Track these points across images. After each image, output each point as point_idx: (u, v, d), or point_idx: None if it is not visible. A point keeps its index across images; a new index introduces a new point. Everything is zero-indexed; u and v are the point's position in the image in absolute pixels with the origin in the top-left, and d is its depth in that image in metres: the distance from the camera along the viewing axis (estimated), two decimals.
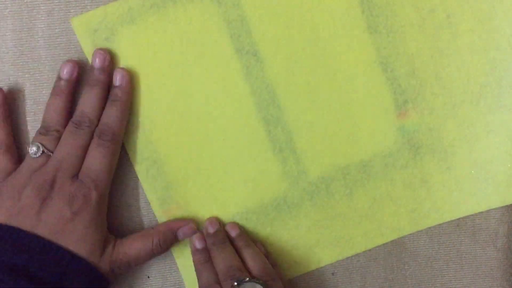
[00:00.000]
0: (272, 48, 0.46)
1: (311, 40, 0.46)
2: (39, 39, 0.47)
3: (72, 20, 0.45)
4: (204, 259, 0.45)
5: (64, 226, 0.41)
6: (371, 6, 0.46)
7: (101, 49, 0.45)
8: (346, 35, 0.46)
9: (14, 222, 0.40)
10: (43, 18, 0.46)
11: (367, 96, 0.47)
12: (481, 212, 0.51)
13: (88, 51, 0.46)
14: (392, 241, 0.51)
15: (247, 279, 0.41)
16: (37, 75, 0.47)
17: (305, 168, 0.48)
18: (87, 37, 0.45)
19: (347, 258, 0.51)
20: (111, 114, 0.44)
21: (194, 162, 0.47)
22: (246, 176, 0.47)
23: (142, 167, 0.47)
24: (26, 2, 0.46)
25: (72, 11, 0.46)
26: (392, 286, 0.52)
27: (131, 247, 0.44)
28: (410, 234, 0.51)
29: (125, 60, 0.46)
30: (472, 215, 0.51)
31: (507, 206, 0.51)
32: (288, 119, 0.47)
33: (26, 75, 0.47)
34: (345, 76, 0.47)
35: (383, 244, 0.51)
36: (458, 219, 0.51)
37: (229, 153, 0.47)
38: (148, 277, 0.49)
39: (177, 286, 0.49)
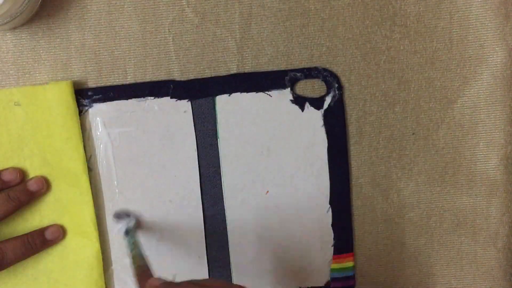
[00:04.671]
0: None
1: None
2: (39, 39, 0.47)
3: None
4: None
5: None
6: None
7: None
8: None
9: None
10: (43, 18, 0.46)
11: None
12: (481, 213, 0.51)
13: None
14: (392, 241, 0.51)
15: None
16: (37, 75, 0.47)
17: None
18: None
19: None
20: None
21: None
22: None
23: None
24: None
25: (72, 10, 0.47)
26: (392, 286, 0.52)
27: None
28: (410, 234, 0.51)
29: None
30: (472, 215, 0.51)
31: (507, 206, 0.51)
32: None
33: (27, 75, 0.47)
34: None
35: (383, 244, 0.51)
36: (458, 219, 0.51)
37: None
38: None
39: None
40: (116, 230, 0.49)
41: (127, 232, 0.48)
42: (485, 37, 0.49)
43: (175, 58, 0.48)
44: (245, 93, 0.49)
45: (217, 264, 0.50)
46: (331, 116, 0.50)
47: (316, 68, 0.49)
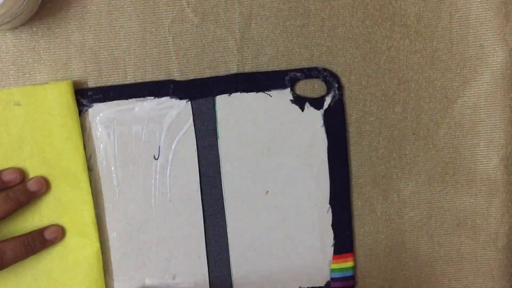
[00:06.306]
0: None
1: None
2: (39, 39, 0.47)
3: None
4: None
5: None
6: None
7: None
8: None
9: None
10: (43, 18, 0.46)
11: None
12: (481, 213, 0.51)
13: None
14: (392, 241, 0.51)
15: None
16: (37, 75, 0.47)
17: None
18: None
19: None
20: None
21: None
22: None
23: None
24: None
25: (72, 11, 0.47)
26: (392, 286, 0.52)
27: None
28: (410, 234, 0.51)
29: None
30: (472, 215, 0.51)
31: (507, 206, 0.51)
32: None
33: (27, 75, 0.47)
34: None
35: (383, 244, 0.51)
36: (459, 219, 0.51)
37: None
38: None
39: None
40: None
41: None
42: (485, 37, 0.49)
43: (175, 58, 0.48)
44: (245, 93, 0.49)
45: (217, 264, 0.50)
46: (331, 116, 0.50)
47: (316, 68, 0.49)
